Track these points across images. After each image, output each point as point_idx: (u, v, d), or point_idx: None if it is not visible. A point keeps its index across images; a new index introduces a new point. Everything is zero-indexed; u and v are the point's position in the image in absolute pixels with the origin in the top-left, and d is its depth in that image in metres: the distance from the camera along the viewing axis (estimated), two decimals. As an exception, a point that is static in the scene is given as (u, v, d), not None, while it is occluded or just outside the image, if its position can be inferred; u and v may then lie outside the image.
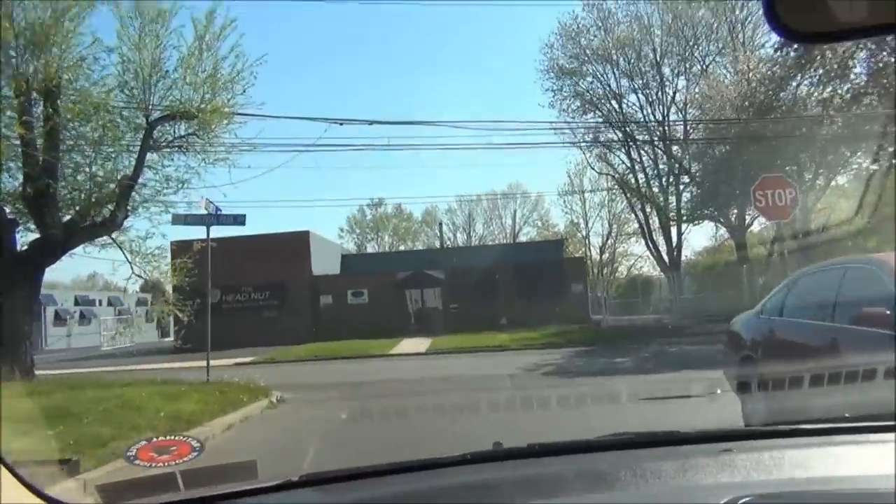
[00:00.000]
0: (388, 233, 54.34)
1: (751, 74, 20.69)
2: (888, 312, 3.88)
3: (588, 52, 27.03)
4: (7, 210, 10.98)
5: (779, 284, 6.18)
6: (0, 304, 9.85)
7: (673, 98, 27.48)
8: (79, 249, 11.58)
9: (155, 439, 1.98)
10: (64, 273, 66.33)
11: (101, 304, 42.27)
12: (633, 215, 32.63)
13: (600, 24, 27.06)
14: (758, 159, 18.74)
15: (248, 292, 26.92)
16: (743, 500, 1.25)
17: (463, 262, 29.64)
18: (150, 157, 11.50)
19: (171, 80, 11.10)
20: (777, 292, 5.75)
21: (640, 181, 28.33)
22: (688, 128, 26.07)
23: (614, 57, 26.92)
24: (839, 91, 18.66)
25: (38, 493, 1.51)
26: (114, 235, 11.52)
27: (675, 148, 26.39)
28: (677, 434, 1.90)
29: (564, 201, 47.29)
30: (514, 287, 26.45)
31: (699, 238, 52.12)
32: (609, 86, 27.41)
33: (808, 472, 1.54)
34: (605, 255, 46.10)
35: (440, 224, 44.57)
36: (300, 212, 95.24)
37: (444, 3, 44.66)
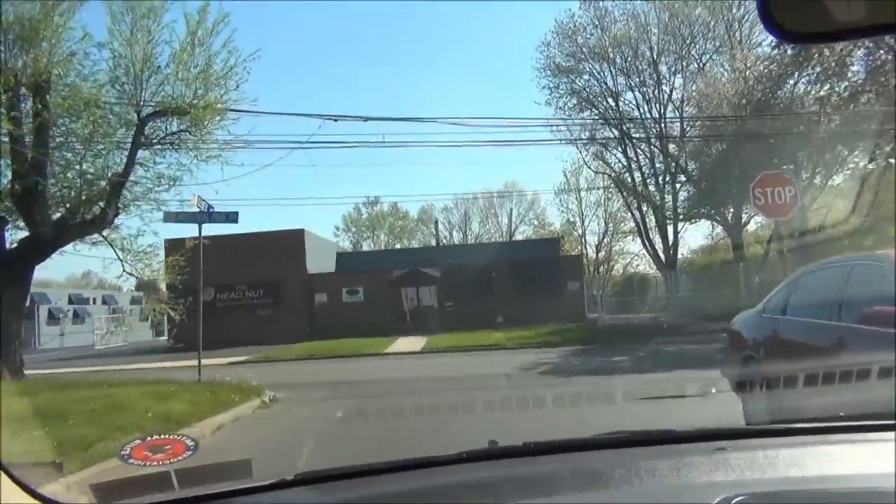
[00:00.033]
0: (384, 231, 54.28)
1: (748, 72, 20.62)
2: None
3: (585, 50, 26.98)
4: (-5, 208, 10.86)
5: (780, 283, 6.10)
6: (-11, 303, 9.72)
7: (670, 96, 27.49)
8: (69, 247, 11.46)
9: (149, 438, 1.96)
10: (58, 271, 66.11)
11: (95, 302, 42.08)
12: (629, 214, 32.60)
13: (597, 23, 27.02)
14: (755, 158, 18.68)
15: (242, 290, 26.83)
16: (737, 499, 1.25)
17: (459, 260, 29.55)
18: (142, 153, 11.40)
19: (162, 75, 11.00)
20: (779, 291, 5.65)
21: (637, 180, 28.32)
22: (684, 126, 26.03)
23: (611, 55, 26.86)
24: (837, 89, 18.63)
25: (33, 493, 1.49)
26: (105, 233, 11.39)
27: (671, 146, 26.35)
28: (672, 433, 1.89)
29: (561, 200, 47.23)
30: (510, 285, 26.38)
31: (695, 237, 52.25)
32: (605, 84, 27.40)
33: (803, 470, 1.53)
34: (602, 254, 46.10)
35: (436, 222, 44.48)
36: (295, 210, 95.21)
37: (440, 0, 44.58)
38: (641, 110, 27.38)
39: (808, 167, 20.38)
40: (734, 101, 20.51)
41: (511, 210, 49.94)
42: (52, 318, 37.54)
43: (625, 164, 28.54)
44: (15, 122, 9.57)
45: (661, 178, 27.39)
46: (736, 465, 1.58)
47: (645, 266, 39.42)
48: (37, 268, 11.45)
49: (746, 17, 25.05)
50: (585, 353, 15.08)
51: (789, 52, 18.18)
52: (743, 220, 24.50)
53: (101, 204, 10.98)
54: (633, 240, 38.30)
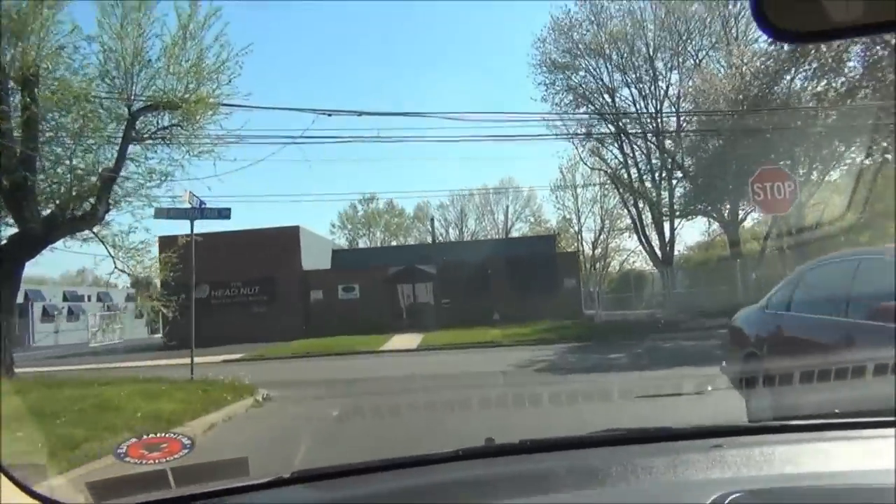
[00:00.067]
0: (379, 228, 54.16)
1: (744, 68, 20.55)
2: None
3: (581, 46, 26.87)
4: (-17, 204, 10.68)
5: (777, 279, 6.02)
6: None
7: (666, 92, 27.40)
8: (59, 244, 11.29)
9: (145, 437, 1.95)
10: (52, 268, 65.73)
11: (89, 299, 41.91)
12: (625, 210, 32.52)
13: (593, 19, 26.91)
14: (751, 154, 18.62)
15: (237, 288, 26.71)
16: (733, 496, 1.25)
17: (455, 257, 29.46)
18: (133, 149, 11.21)
19: (153, 69, 10.81)
20: (783, 286, 5.53)
21: (633, 176, 28.24)
22: (681, 122, 25.96)
23: (607, 51, 26.76)
24: (833, 85, 18.57)
25: (29, 492, 1.49)
26: (96, 230, 11.23)
27: (668, 143, 26.29)
28: (669, 430, 1.89)
29: (557, 197, 47.02)
30: (506, 282, 26.31)
31: (692, 233, 52.27)
32: (602, 80, 27.30)
33: (799, 467, 1.54)
34: (598, 251, 46.03)
35: (432, 219, 44.46)
36: (291, 207, 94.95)
37: (436, -4, 44.34)
38: (638, 107, 27.33)
39: (805, 163, 20.33)
40: (731, 96, 20.44)
41: (507, 207, 49.96)
42: (47, 315, 37.38)
43: (621, 160, 28.48)
44: (3, 116, 9.41)
45: (657, 175, 27.35)
46: (732, 463, 1.58)
47: (641, 263, 39.37)
48: (31, 265, 11.31)
49: (743, 13, 24.95)
50: (582, 350, 15.02)
51: (786, 47, 18.13)
52: (740, 216, 24.47)
53: (92, 200, 10.82)
54: (629, 236, 38.22)
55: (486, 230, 50.64)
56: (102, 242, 11.28)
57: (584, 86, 27.26)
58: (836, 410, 2.21)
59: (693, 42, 26.79)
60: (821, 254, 6.59)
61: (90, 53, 10.69)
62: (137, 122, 11.04)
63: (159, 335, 27.73)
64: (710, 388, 5.84)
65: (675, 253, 30.01)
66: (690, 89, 24.19)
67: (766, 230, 23.02)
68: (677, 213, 26.93)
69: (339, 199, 67.67)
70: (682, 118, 25.91)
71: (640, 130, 27.31)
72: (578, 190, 43.23)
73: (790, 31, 1.25)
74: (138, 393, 8.25)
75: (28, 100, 9.59)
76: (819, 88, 18.97)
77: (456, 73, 64.99)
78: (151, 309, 13.09)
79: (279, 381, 10.89)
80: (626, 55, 26.81)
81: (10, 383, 9.38)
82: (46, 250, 11.19)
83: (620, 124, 27.21)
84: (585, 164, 33.29)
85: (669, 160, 25.94)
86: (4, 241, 10.84)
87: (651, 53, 26.84)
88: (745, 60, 20.75)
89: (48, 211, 10.92)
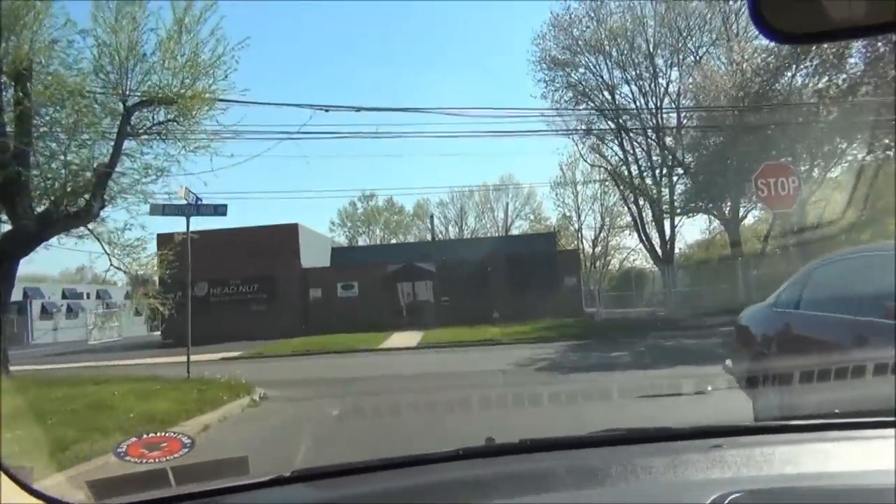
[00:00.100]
0: (379, 226, 54.05)
1: (745, 65, 20.42)
2: None
3: (581, 42, 26.74)
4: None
5: (778, 277, 5.90)
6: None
7: (666, 89, 27.27)
8: (54, 241, 11.16)
9: (145, 436, 1.97)
10: (52, 266, 65.64)
11: (89, 297, 41.85)
12: (625, 208, 32.41)
13: (593, 15, 26.76)
14: (752, 151, 18.51)
15: (236, 286, 26.63)
16: (733, 496, 1.25)
17: (455, 255, 29.36)
18: (128, 144, 11.09)
19: (149, 64, 10.69)
20: (792, 284, 5.40)
21: (633, 173, 28.11)
22: (682, 119, 25.83)
23: (607, 48, 26.63)
24: (835, 81, 18.45)
25: (30, 490, 1.49)
26: (91, 226, 11.11)
27: (668, 140, 26.16)
28: (669, 430, 1.88)
29: (557, 194, 46.92)
30: (506, 280, 26.22)
31: (692, 231, 52.29)
32: (602, 77, 27.18)
33: (799, 467, 1.54)
34: (598, 249, 45.93)
35: (431, 217, 44.21)
36: (289, 205, 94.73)
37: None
38: (638, 103, 27.19)
39: (807, 160, 20.20)
40: (731, 93, 20.32)
41: (507, 204, 49.86)
42: (46, 313, 37.35)
43: (621, 157, 28.37)
44: (-5, 111, 9.28)
45: (657, 172, 27.23)
46: (732, 463, 1.58)
47: (642, 261, 39.29)
48: (30, 262, 11.19)
49: (743, 10, 24.73)
50: (582, 349, 14.92)
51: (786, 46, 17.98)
52: (741, 214, 24.34)
53: (87, 196, 10.68)
54: (629, 234, 38.11)
55: (485, 228, 50.62)
56: (98, 239, 11.17)
57: (584, 83, 27.16)
58: (836, 410, 2.17)
59: (693, 38, 26.69)
60: (822, 252, 6.48)
61: (84, 48, 10.57)
62: (133, 118, 10.90)
63: (158, 333, 27.68)
64: (709, 388, 5.79)
65: (676, 251, 29.94)
66: (691, 86, 24.07)
67: (767, 228, 22.92)
68: (678, 211, 26.81)
69: (339, 197, 67.64)
70: (682, 115, 25.80)
71: (640, 127, 27.19)
72: (578, 187, 43.24)
73: (788, 33, 1.25)
74: (132, 392, 8.13)
75: (21, 94, 9.47)
76: (820, 85, 18.87)
77: (455, 72, 64.83)
78: (148, 307, 12.95)
79: (277, 380, 10.80)
80: (626, 52, 26.70)
81: (3, 382, 9.27)
82: (41, 247, 11.07)
83: (621, 121, 27.10)
84: (586, 161, 33.20)
85: (670, 157, 25.82)
86: (-2, 238, 10.71)
87: (651, 50, 26.72)
88: (746, 57, 20.62)
89: (42, 207, 10.80)
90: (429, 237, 42.25)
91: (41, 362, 17.17)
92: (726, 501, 1.24)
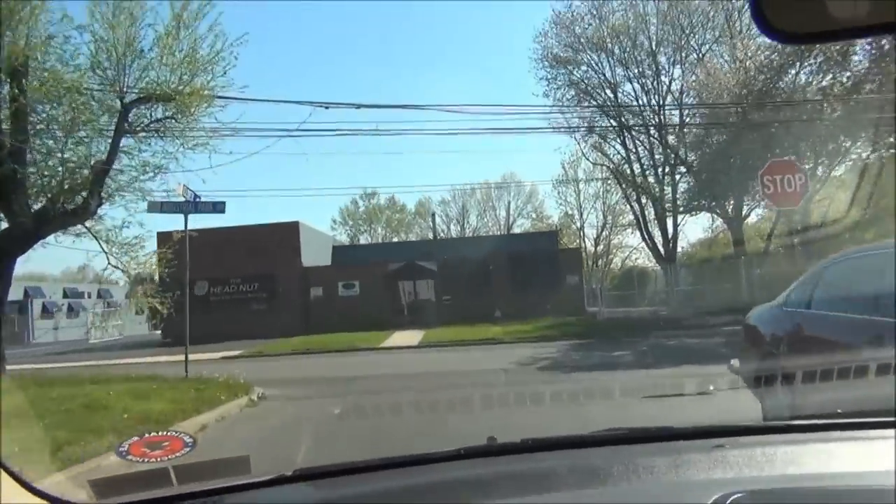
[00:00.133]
0: (381, 224, 53.97)
1: (748, 62, 20.28)
2: None
3: (583, 40, 26.66)
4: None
5: (781, 276, 5.80)
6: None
7: (669, 87, 27.16)
8: (51, 239, 11.07)
9: (147, 435, 1.97)
10: (53, 265, 65.67)
11: (90, 296, 41.81)
12: (628, 206, 32.29)
13: (595, 12, 26.69)
14: (756, 148, 18.38)
15: (236, 284, 26.55)
16: (735, 496, 1.25)
17: (456, 253, 29.27)
18: (126, 141, 10.98)
19: (146, 60, 10.56)
20: (802, 284, 5.29)
21: (636, 171, 28.00)
22: (684, 117, 25.70)
23: (609, 45, 26.54)
24: (839, 79, 18.32)
25: (30, 488, 1.49)
26: (88, 224, 11.00)
27: (671, 138, 26.02)
28: (671, 429, 1.88)
29: (559, 192, 46.82)
30: (508, 279, 26.12)
31: (695, 230, 52.29)
32: (604, 74, 27.09)
33: (801, 468, 1.54)
34: (601, 247, 45.83)
35: (433, 215, 44.22)
36: (290, 203, 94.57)
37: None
38: (640, 101, 27.07)
39: (811, 158, 20.06)
40: (734, 91, 20.18)
41: (509, 203, 49.76)
42: (46, 312, 37.35)
43: (624, 155, 28.26)
44: (-10, 107, 9.18)
45: (660, 170, 27.11)
46: (734, 463, 1.58)
47: (644, 259, 39.19)
48: (31, 261, 11.11)
49: (746, 7, 24.65)
50: (584, 348, 14.86)
51: (790, 42, 17.84)
52: (744, 212, 24.20)
53: (84, 193, 10.58)
54: (632, 233, 38.08)
55: (487, 226, 50.53)
56: (95, 238, 11.06)
57: (586, 81, 27.10)
58: (839, 410, 2.18)
59: (696, 36, 26.54)
60: (826, 251, 6.37)
61: (81, 44, 10.44)
62: (130, 114, 10.79)
63: (159, 331, 27.62)
64: (712, 388, 5.75)
65: (679, 250, 29.82)
66: (694, 84, 23.92)
67: (771, 226, 22.76)
68: (680, 209, 26.68)
69: (340, 195, 67.48)
70: (685, 113, 25.67)
71: (642, 125, 27.07)
72: (581, 185, 43.15)
73: (789, 33, 1.25)
74: (129, 392, 8.04)
75: (16, 91, 9.35)
76: (824, 82, 18.74)
77: (455, 72, 64.60)
78: (147, 306, 12.87)
79: (277, 379, 10.73)
80: (628, 49, 26.60)
81: (1, 381, 9.18)
82: (38, 246, 10.98)
83: (623, 119, 26.97)
84: (588, 159, 33.13)
85: (672, 155, 25.69)
86: (-6, 236, 10.61)
87: (654, 48, 26.62)
88: (749, 54, 20.48)
89: (39, 205, 10.70)
90: (430, 235, 42.19)
91: (41, 361, 17.12)
92: (728, 501, 1.24)
